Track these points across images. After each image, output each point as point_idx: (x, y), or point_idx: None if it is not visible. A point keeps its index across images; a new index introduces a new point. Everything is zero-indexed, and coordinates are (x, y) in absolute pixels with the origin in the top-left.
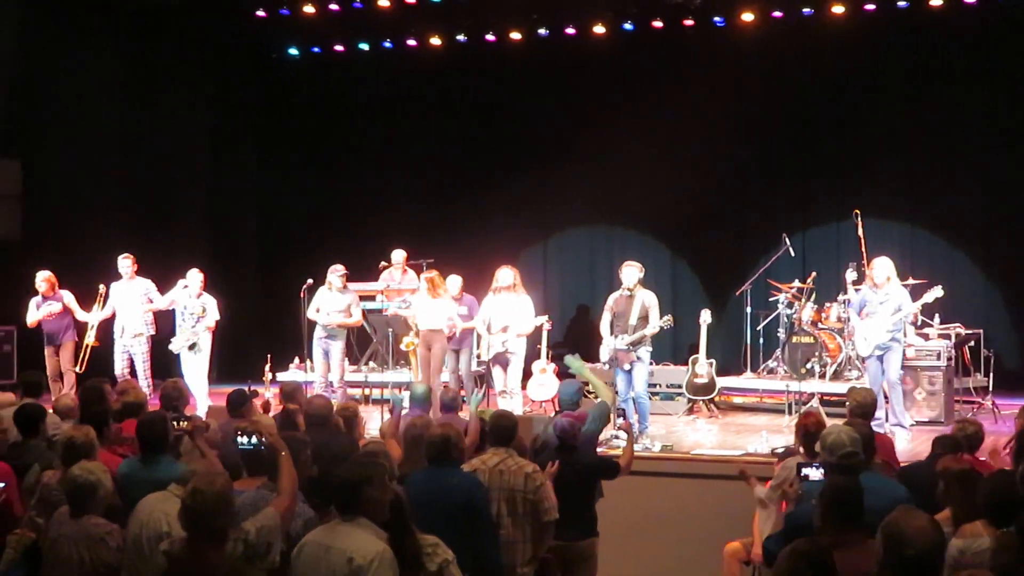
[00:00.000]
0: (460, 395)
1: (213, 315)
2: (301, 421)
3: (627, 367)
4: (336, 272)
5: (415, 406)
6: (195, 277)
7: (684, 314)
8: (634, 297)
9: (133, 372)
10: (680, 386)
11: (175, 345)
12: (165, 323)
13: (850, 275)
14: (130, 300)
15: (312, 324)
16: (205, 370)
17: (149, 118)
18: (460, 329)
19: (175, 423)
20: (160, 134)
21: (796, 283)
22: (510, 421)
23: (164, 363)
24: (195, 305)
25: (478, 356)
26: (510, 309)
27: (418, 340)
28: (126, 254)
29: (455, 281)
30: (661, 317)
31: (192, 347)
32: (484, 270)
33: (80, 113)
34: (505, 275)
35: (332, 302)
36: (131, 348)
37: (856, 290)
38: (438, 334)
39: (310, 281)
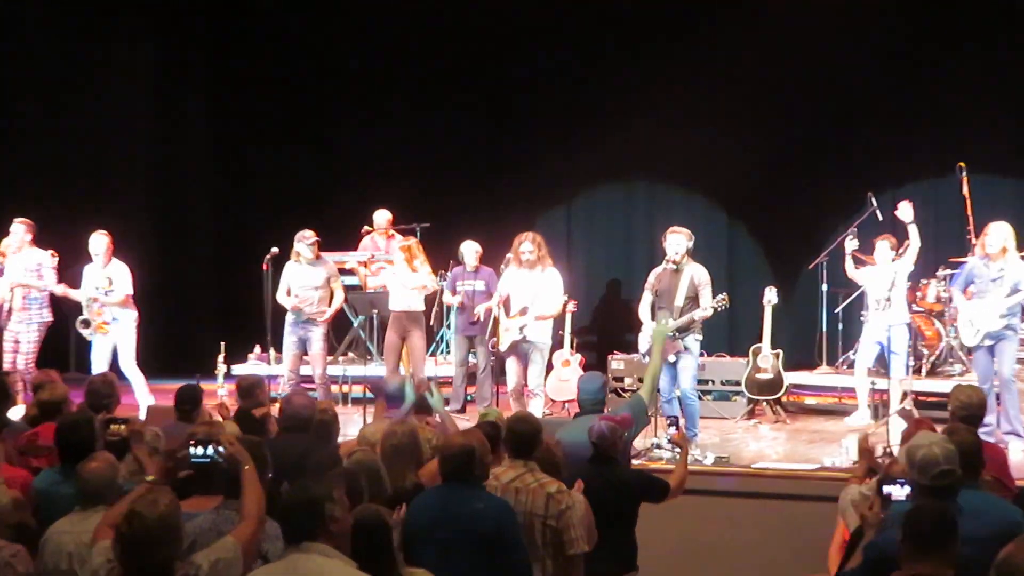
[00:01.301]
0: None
1: (123, 288)
2: (272, 425)
3: (672, 359)
4: (305, 240)
5: (389, 405)
6: (99, 241)
7: (743, 293)
8: (681, 272)
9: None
10: (738, 383)
11: (85, 329)
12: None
13: (850, 244)
14: (18, 276)
15: (283, 307)
16: (132, 359)
17: (81, 52)
18: (483, 312)
19: (106, 427)
20: (95, 73)
21: None
22: (530, 427)
23: (75, 352)
24: (100, 278)
25: (493, 344)
26: (531, 287)
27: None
28: (21, 219)
29: (471, 249)
30: (714, 296)
31: (97, 328)
32: (493, 239)
33: None
34: (527, 247)
35: (304, 277)
36: (19, 334)
37: (857, 265)
38: (416, 318)
39: (275, 250)
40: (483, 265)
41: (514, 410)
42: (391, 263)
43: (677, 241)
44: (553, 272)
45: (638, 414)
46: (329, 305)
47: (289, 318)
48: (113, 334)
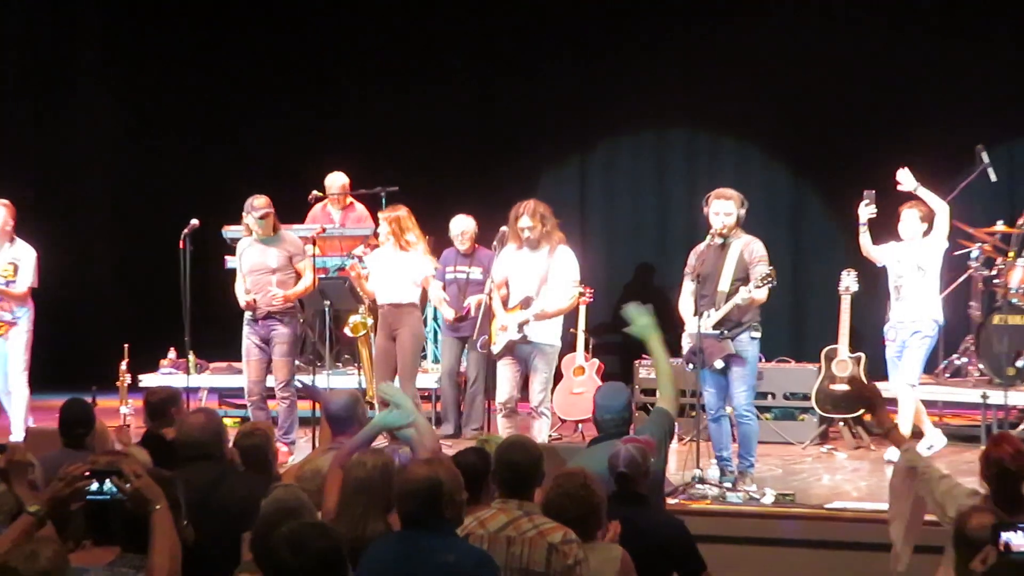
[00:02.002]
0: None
1: (26, 278)
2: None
3: (719, 364)
4: (255, 211)
5: (335, 431)
6: None
7: (813, 279)
8: (728, 247)
9: None
10: (807, 397)
11: None
12: None
13: (866, 211)
14: None
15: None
16: (22, 370)
17: None
18: (474, 305)
19: None
20: None
21: (999, 226)
22: (527, 455)
23: None
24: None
25: (483, 344)
26: (534, 271)
27: (370, 321)
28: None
29: (462, 224)
30: (763, 277)
31: None
32: (488, 209)
33: None
34: (526, 221)
35: (254, 258)
36: None
37: (876, 241)
38: (407, 313)
39: (194, 223)
40: (481, 247)
41: (503, 432)
42: (366, 242)
43: (724, 208)
44: (564, 252)
45: (663, 435)
46: (293, 297)
47: (247, 314)
48: (11, 337)
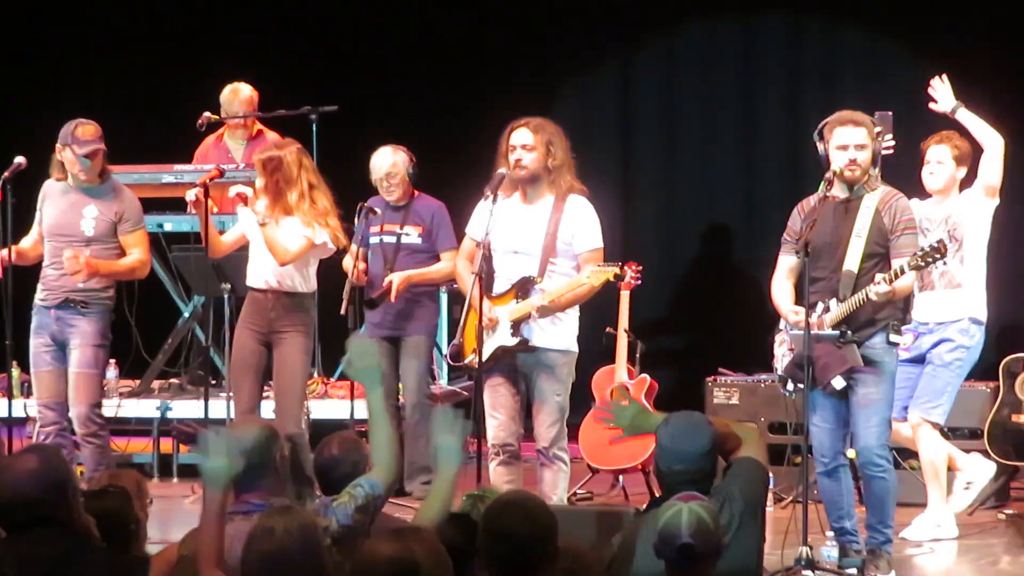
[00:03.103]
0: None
1: None
2: None
3: (837, 384)
4: (78, 140)
5: (245, 484)
6: None
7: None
8: (857, 204)
9: None
10: (976, 434)
11: None
12: None
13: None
14: None
15: (27, 279)
16: None
17: None
18: (398, 282)
19: None
20: None
21: None
22: (529, 524)
23: None
24: None
25: (452, 352)
26: (532, 234)
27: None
28: None
29: (384, 162)
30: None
31: None
32: (472, 141)
33: None
34: (524, 136)
35: (64, 213)
36: None
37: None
38: (292, 308)
39: (20, 161)
40: (422, 194)
41: (502, 487)
42: (254, 191)
43: (852, 138)
44: (580, 204)
45: (756, 498)
46: (103, 272)
47: (35, 301)
48: None
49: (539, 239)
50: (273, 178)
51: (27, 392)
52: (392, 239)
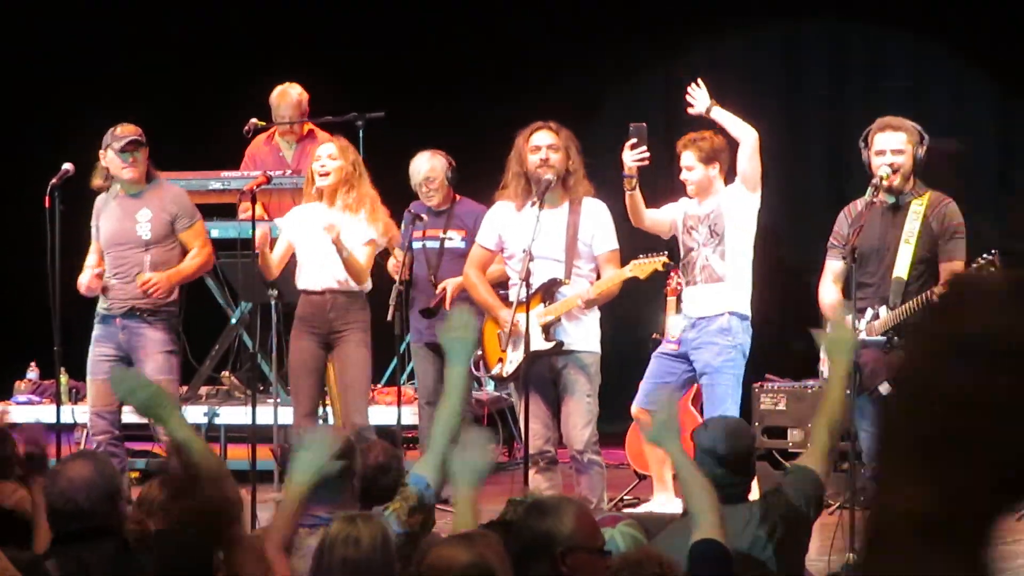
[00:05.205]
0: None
1: None
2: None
3: (885, 390)
4: (118, 140)
5: (319, 496)
6: None
7: None
8: (905, 209)
9: None
10: None
11: None
12: None
13: (632, 155)
14: None
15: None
16: None
17: None
18: (452, 289)
19: None
20: None
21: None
22: (558, 525)
23: None
24: None
25: (476, 361)
26: (553, 237)
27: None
28: None
29: (423, 166)
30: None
31: None
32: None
33: None
34: (545, 137)
35: (116, 222)
36: None
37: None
38: (351, 309)
39: (67, 168)
40: (463, 198)
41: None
42: (309, 191)
43: (892, 143)
44: (597, 206)
45: (807, 506)
46: (175, 281)
47: (98, 310)
48: None
49: (560, 242)
50: (350, 162)
51: (75, 399)
52: (435, 244)
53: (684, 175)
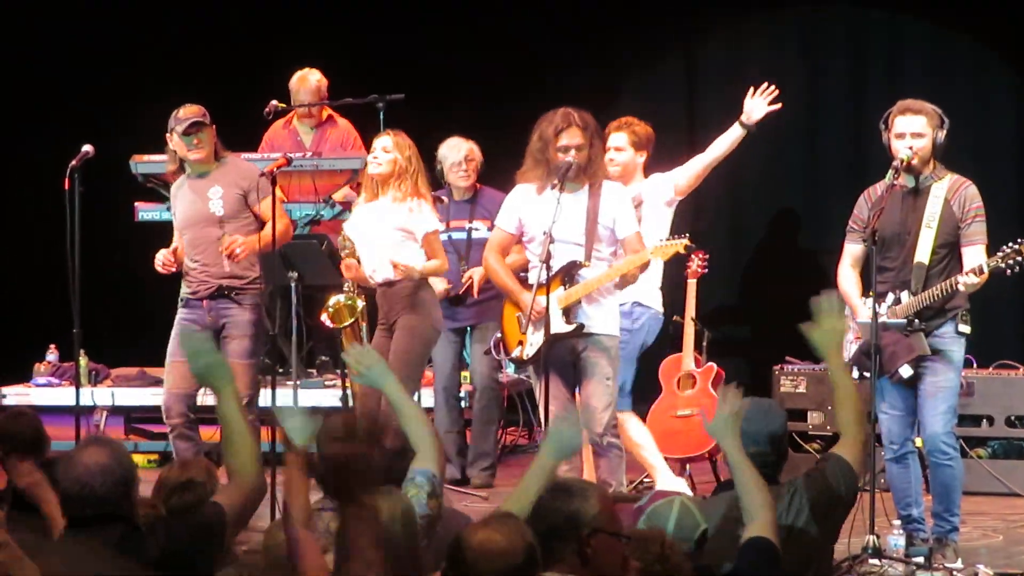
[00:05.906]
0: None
1: None
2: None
3: (905, 373)
4: (181, 123)
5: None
6: None
7: None
8: (925, 192)
9: None
10: None
11: None
12: None
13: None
14: None
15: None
16: None
17: None
18: (479, 278)
19: None
20: None
21: None
22: (581, 506)
23: None
24: None
25: (496, 344)
26: (574, 221)
27: (360, 303)
28: None
29: (461, 149)
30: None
31: None
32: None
33: None
34: (573, 136)
35: (190, 203)
36: None
37: None
38: (408, 299)
39: (87, 150)
40: (485, 187)
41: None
42: (351, 181)
43: (912, 126)
44: (617, 189)
45: (829, 492)
46: (258, 247)
47: (182, 295)
48: None
49: (580, 226)
50: (405, 157)
51: (94, 381)
52: (462, 235)
53: (611, 155)
